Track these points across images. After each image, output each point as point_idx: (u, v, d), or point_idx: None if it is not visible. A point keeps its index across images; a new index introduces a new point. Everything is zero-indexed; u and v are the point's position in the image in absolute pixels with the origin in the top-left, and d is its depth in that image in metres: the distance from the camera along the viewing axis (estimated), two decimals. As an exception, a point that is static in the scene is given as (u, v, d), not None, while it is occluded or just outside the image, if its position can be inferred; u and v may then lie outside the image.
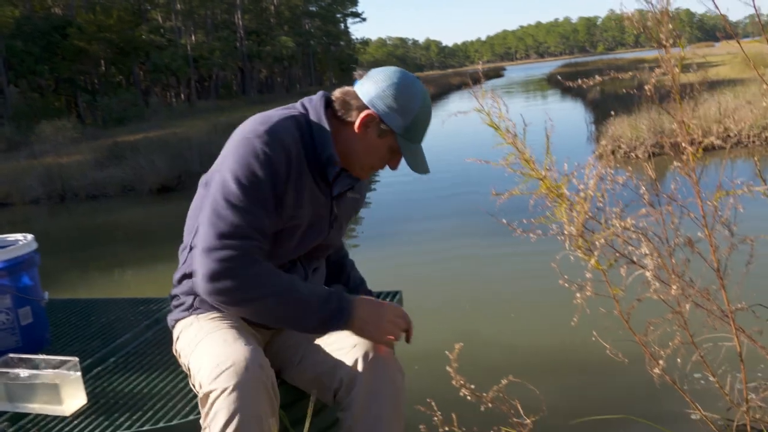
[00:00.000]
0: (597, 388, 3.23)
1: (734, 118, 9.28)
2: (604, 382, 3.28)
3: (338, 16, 70.15)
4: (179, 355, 1.72)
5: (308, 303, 1.58)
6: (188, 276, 1.71)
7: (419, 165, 1.72)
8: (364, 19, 75.33)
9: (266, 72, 55.99)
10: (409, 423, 1.73)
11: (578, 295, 1.15)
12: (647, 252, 1.23)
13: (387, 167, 1.78)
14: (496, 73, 74.55)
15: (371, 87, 1.67)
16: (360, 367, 1.60)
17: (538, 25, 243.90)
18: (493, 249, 6.07)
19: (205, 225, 1.55)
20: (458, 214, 7.82)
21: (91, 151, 15.98)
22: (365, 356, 1.61)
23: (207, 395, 1.44)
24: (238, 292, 1.52)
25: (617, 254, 1.25)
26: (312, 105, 1.72)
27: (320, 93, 1.76)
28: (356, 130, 1.68)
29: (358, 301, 1.64)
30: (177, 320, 1.75)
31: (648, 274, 1.21)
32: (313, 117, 1.69)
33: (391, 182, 10.90)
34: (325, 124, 1.68)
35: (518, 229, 1.38)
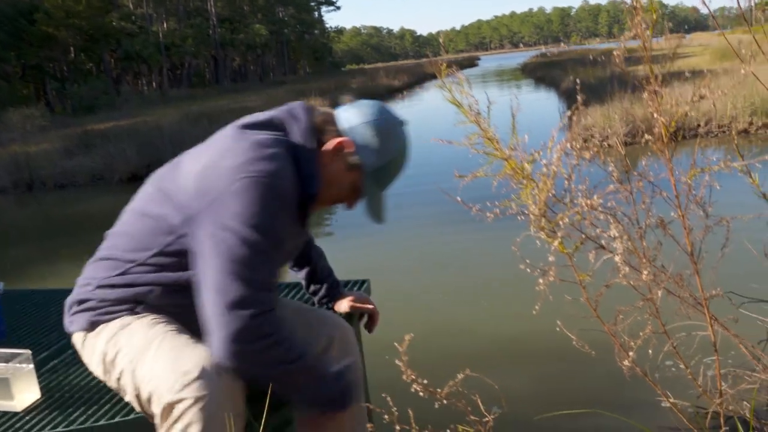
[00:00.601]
0: (563, 380, 3.22)
1: (710, 87, 9.39)
2: (571, 373, 3.28)
3: (312, 4, 69.69)
4: (108, 360, 1.52)
5: (323, 377, 1.50)
6: (132, 285, 1.53)
7: (376, 212, 1.62)
8: (338, 8, 74.88)
9: (239, 60, 55.49)
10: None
11: (541, 281, 1.10)
12: (616, 234, 1.18)
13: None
14: (470, 63, 74.62)
15: (354, 116, 1.58)
16: (333, 333, 1.68)
17: (513, 15, 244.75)
18: (462, 236, 6.07)
19: (223, 275, 1.38)
20: (425, 201, 7.81)
21: (60, 139, 15.72)
22: (331, 338, 1.66)
23: (172, 406, 1.34)
24: (267, 353, 1.41)
25: (583, 236, 1.20)
26: (301, 129, 1.55)
27: (304, 111, 1.59)
28: (325, 155, 1.56)
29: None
30: (103, 321, 1.55)
31: (617, 258, 1.17)
32: (300, 140, 1.54)
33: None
34: (315, 156, 1.54)
35: (474, 207, 1.33)
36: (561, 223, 1.15)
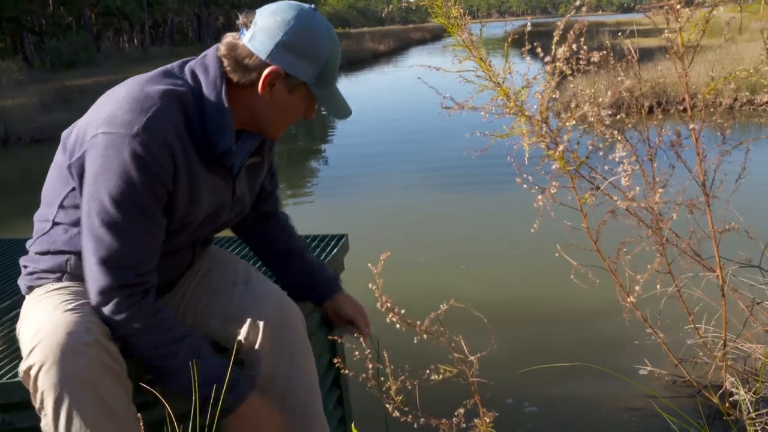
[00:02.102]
0: (543, 341, 3.23)
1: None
2: (549, 334, 3.28)
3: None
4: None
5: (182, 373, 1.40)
6: (53, 252, 1.49)
7: (340, 109, 1.50)
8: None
9: (223, 19, 54.53)
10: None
11: (540, 197, 1.03)
12: (624, 155, 1.10)
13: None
14: (458, 31, 73.86)
15: (265, 38, 1.38)
16: (260, 320, 1.51)
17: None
18: (444, 197, 6.05)
19: (91, 243, 1.34)
20: (409, 162, 7.78)
21: (36, 94, 15.41)
22: (264, 309, 1.52)
23: (28, 372, 1.27)
24: (123, 328, 1.37)
25: (589, 149, 1.11)
26: (208, 77, 1.41)
27: (214, 55, 1.44)
28: (260, 92, 1.41)
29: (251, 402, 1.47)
30: (36, 286, 1.52)
31: (623, 181, 1.09)
32: (209, 93, 1.40)
33: (339, 131, 10.78)
34: (225, 104, 1.39)
35: (465, 106, 1.21)
36: (567, 125, 1.07)
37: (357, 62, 28.91)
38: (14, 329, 1.68)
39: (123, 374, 1.35)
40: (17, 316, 1.78)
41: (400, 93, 16.24)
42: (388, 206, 5.98)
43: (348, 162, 8.47)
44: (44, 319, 1.33)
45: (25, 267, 1.57)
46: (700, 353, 2.55)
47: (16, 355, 1.52)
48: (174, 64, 1.46)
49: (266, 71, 1.39)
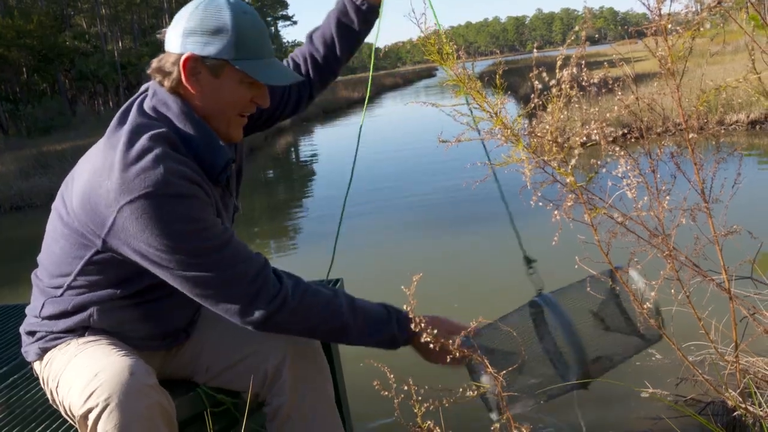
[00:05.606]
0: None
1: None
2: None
3: (269, 19, 69.43)
4: (46, 383, 1.48)
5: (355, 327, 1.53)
6: (72, 312, 1.45)
7: (278, 76, 1.43)
8: (295, 22, 74.63)
9: (197, 77, 55.10)
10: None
11: (556, 212, 1.04)
12: (628, 168, 1.13)
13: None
14: (428, 74, 75.11)
15: (173, 36, 1.38)
16: (284, 353, 1.53)
17: (468, 25, 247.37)
18: (437, 240, 6.06)
19: (207, 294, 1.35)
20: (400, 206, 7.81)
21: (14, 161, 15.35)
22: (286, 344, 1.55)
23: (85, 417, 1.25)
24: (288, 324, 1.43)
25: (597, 166, 1.14)
26: (172, 111, 1.39)
27: (154, 84, 1.44)
28: (187, 85, 1.37)
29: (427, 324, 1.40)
30: (51, 347, 1.48)
31: (629, 194, 1.12)
32: (182, 121, 1.38)
33: (333, 170, 10.84)
34: (203, 124, 1.39)
35: (463, 138, 1.23)
36: (576, 140, 1.09)
37: (332, 110, 29.11)
38: (13, 396, 1.65)
39: (175, 419, 1.34)
40: (16, 381, 1.76)
41: (384, 141, 16.34)
42: (378, 246, 5.98)
43: (331, 207, 8.49)
44: (101, 364, 1.31)
45: (33, 333, 1.51)
46: (699, 371, 2.55)
47: (23, 417, 1.50)
48: (132, 114, 1.41)
49: (181, 60, 1.36)
